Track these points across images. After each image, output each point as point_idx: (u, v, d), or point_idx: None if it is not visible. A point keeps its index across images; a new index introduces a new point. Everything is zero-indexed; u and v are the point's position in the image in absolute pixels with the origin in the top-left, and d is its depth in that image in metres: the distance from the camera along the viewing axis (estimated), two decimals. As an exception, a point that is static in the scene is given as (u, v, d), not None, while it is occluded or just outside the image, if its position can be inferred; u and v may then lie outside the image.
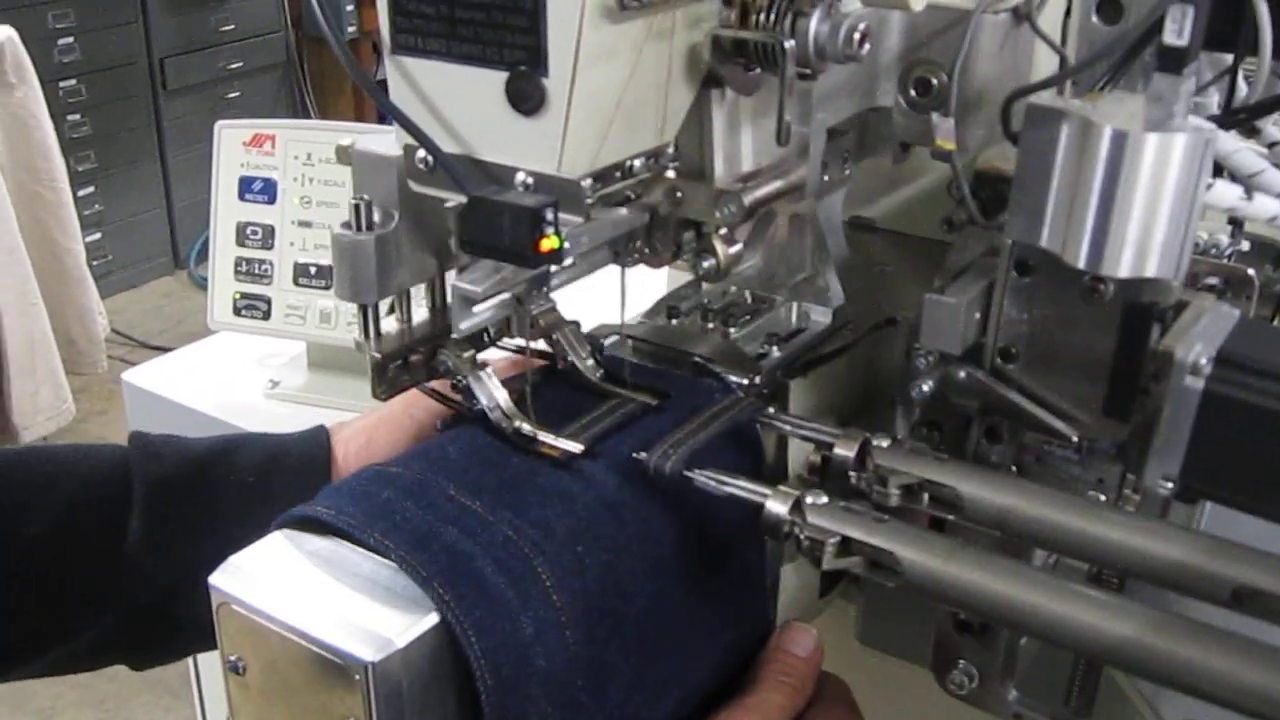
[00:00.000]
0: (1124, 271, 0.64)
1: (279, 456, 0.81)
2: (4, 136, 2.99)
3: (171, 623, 0.78)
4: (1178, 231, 0.63)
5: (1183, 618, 0.60)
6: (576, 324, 0.77)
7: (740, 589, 0.74)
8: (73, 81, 4.22)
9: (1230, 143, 0.75)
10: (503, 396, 0.71)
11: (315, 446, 0.82)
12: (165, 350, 3.84)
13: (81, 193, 4.03)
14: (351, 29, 4.56)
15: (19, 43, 2.98)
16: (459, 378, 0.73)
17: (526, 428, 0.69)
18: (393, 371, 0.74)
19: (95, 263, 3.71)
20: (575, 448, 0.68)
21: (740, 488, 0.68)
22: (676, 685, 0.70)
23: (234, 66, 4.74)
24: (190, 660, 1.46)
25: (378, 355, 0.73)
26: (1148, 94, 0.65)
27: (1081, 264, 0.65)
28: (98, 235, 4.30)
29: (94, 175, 4.34)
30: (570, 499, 0.66)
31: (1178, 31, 0.64)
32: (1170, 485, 0.70)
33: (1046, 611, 0.62)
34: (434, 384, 0.76)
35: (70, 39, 4.18)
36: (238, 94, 4.79)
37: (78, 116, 4.25)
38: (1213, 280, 0.88)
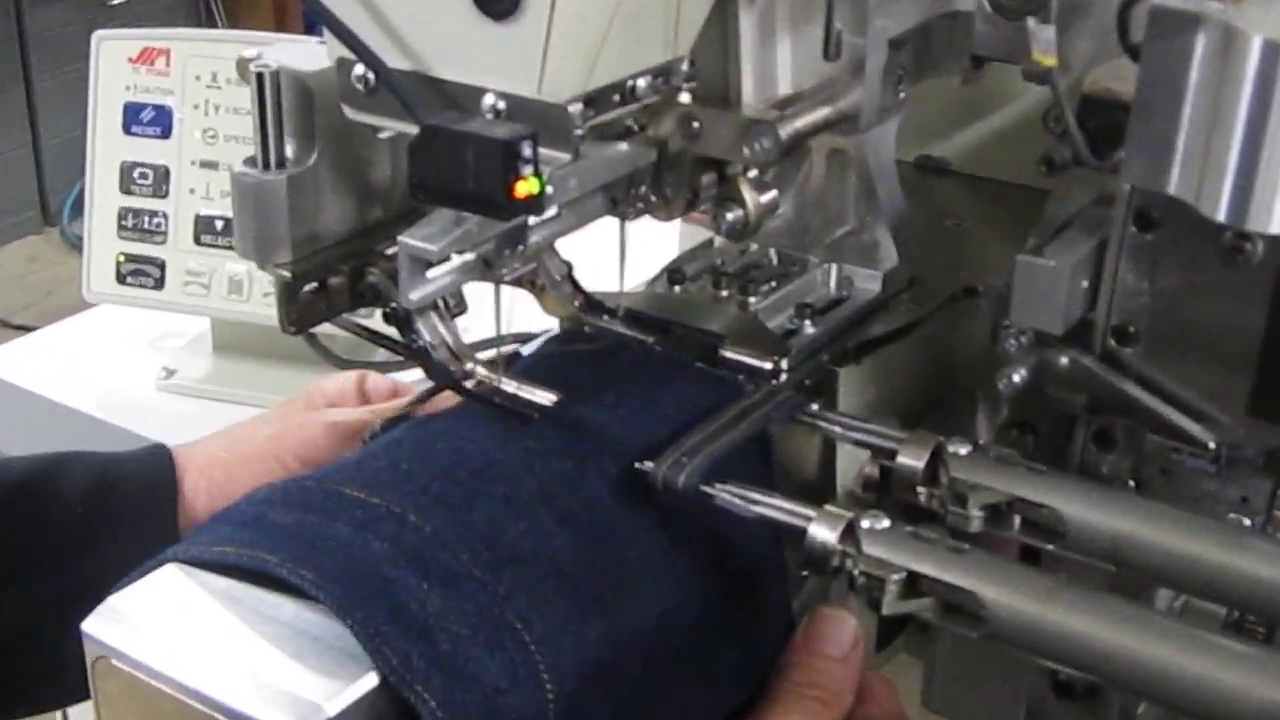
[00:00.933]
0: (1277, 227, 0.65)
1: (113, 482, 0.82)
2: None
3: None
4: None
5: None
6: (568, 265, 0.77)
7: (762, 636, 0.75)
8: (-89, -15, 4.26)
9: None
10: (450, 330, 0.72)
11: (160, 470, 0.83)
12: (31, 329, 3.90)
13: None
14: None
15: None
16: (394, 305, 0.73)
17: (481, 371, 0.70)
18: (306, 296, 0.74)
19: None
20: (547, 398, 0.69)
21: (776, 508, 0.68)
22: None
23: None
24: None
25: (285, 274, 0.73)
26: None
27: (1221, 217, 0.65)
28: None
29: None
30: (550, 520, 0.67)
31: None
32: None
33: (1174, 670, 0.61)
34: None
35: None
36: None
37: None
38: None
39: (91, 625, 0.61)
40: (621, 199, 0.75)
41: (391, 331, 0.77)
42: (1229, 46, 0.64)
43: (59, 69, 4.63)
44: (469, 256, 0.69)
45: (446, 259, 0.68)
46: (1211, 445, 0.73)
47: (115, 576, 0.64)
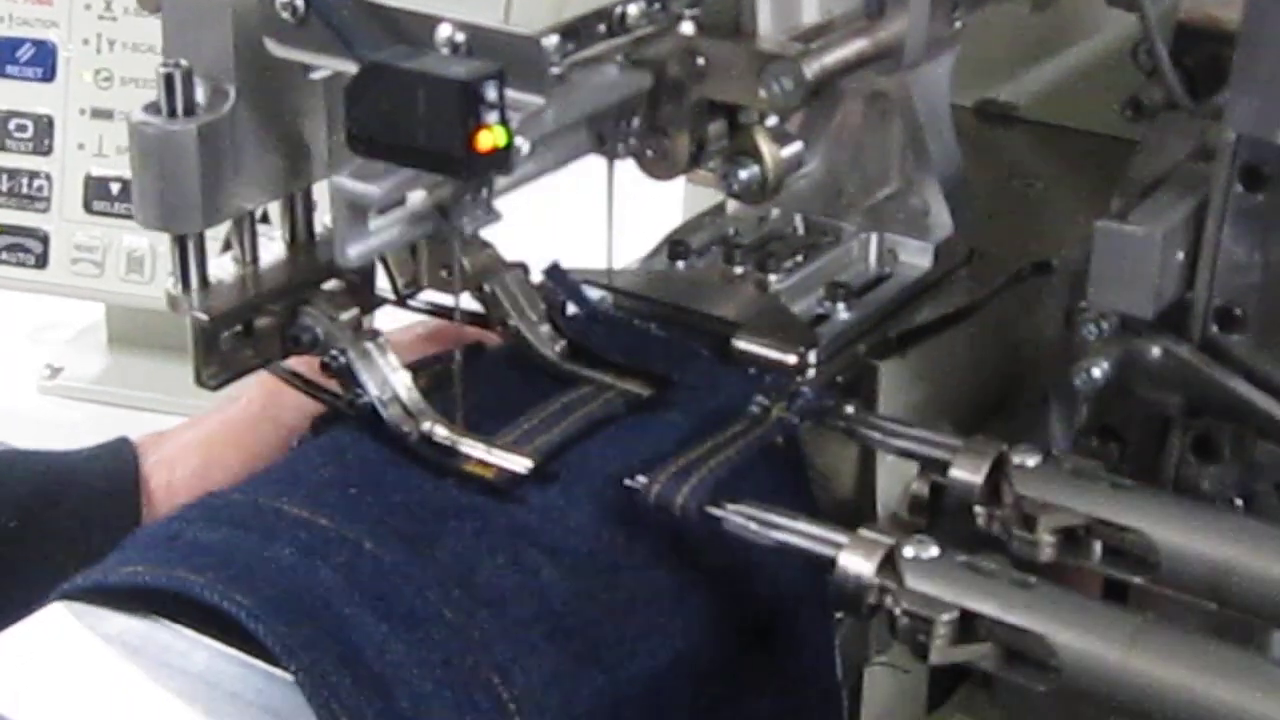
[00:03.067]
0: None
1: (62, 485, 0.83)
2: None
3: None
4: None
5: None
6: (523, 268, 0.78)
7: (798, 685, 0.75)
8: None
9: None
10: (403, 383, 0.72)
11: (115, 467, 0.84)
12: None
13: None
14: None
15: None
16: (334, 353, 0.73)
17: (441, 432, 0.71)
18: (228, 343, 0.75)
19: None
20: (522, 465, 0.69)
21: (798, 533, 0.69)
22: None
23: None
24: None
25: (204, 316, 0.73)
26: None
27: None
28: None
29: None
30: (534, 553, 0.67)
31: None
32: None
33: None
34: (294, 362, 0.77)
35: None
36: None
37: None
38: None
39: None
40: (609, 134, 0.76)
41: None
42: None
43: None
44: (418, 201, 0.70)
45: (392, 206, 0.69)
46: None
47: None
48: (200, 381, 0.75)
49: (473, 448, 0.70)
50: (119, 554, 0.66)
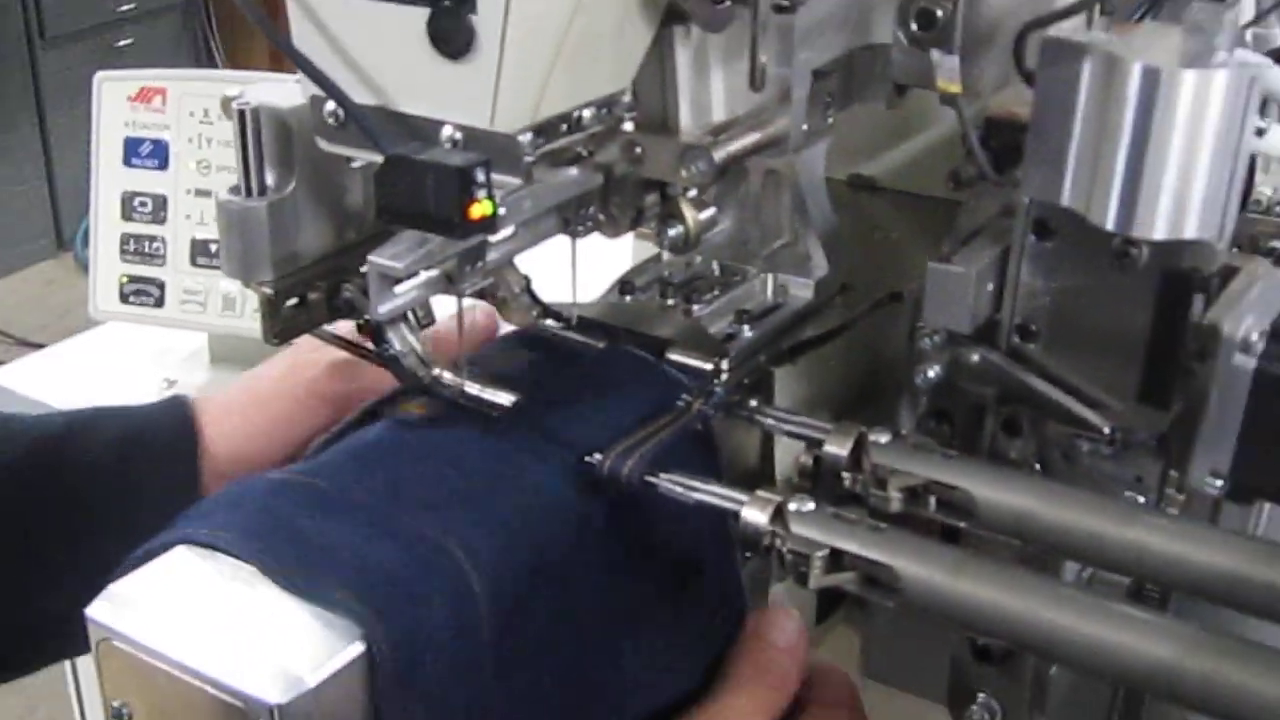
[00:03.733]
0: (1159, 233, 0.65)
1: (137, 435, 0.82)
2: None
3: (20, 633, 0.80)
4: (1221, 185, 0.64)
5: (1238, 638, 0.61)
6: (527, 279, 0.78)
7: (713, 611, 0.75)
8: (-69, 32, 4.25)
9: None
10: (416, 339, 0.72)
11: (179, 421, 0.83)
12: (43, 346, 3.89)
13: None
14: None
15: None
16: (366, 317, 0.74)
17: (447, 376, 0.71)
18: (288, 311, 0.75)
19: None
20: (505, 399, 0.69)
21: (713, 494, 0.69)
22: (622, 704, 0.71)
23: (126, 9, 4.73)
24: (76, 708, 1.47)
25: (269, 291, 0.74)
26: (1185, 24, 0.66)
27: (1110, 225, 0.66)
28: None
29: None
30: (516, 504, 0.67)
31: None
32: (1220, 483, 0.71)
33: (1075, 633, 0.62)
34: (338, 326, 0.77)
35: (-73, -20, 4.22)
36: (130, 41, 4.78)
37: None
38: (1276, 243, 0.90)
39: (95, 610, 0.61)
40: (572, 219, 0.75)
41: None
42: (1113, 72, 0.64)
43: (71, 108, 4.59)
44: (432, 273, 0.69)
45: (412, 275, 0.69)
46: (1106, 430, 0.74)
47: (143, 522, 0.64)
48: (266, 339, 0.76)
49: (470, 387, 0.70)
50: (221, 516, 0.65)
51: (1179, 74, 0.63)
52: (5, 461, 0.78)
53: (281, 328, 0.75)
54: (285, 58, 0.70)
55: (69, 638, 0.75)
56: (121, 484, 0.78)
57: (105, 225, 1.34)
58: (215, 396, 0.85)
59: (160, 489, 0.71)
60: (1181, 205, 0.65)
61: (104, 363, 1.45)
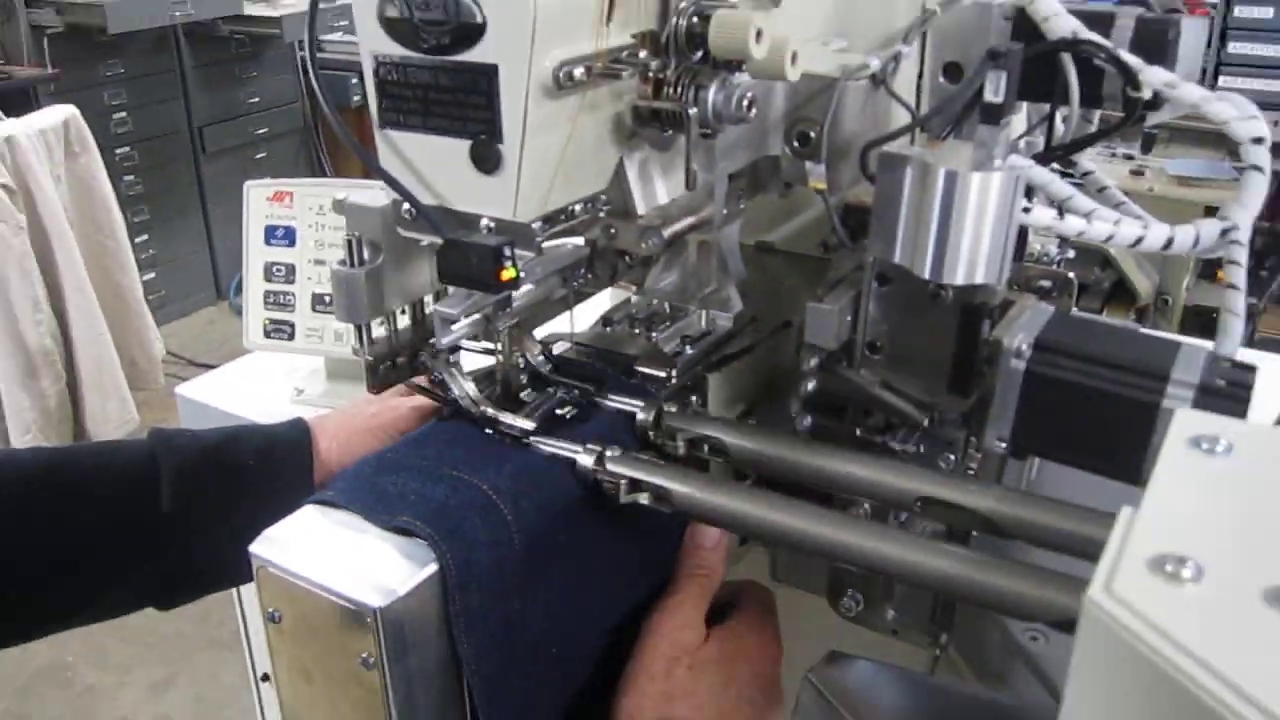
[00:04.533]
0: (959, 280, 0.65)
1: (273, 445, 0.82)
2: (72, 197, 2.99)
3: (192, 573, 0.79)
4: (998, 247, 0.64)
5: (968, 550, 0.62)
6: (529, 334, 0.77)
7: (655, 533, 0.74)
8: (127, 149, 4.20)
9: (1045, 175, 0.75)
10: (471, 388, 0.71)
11: (302, 436, 0.82)
12: (212, 367, 3.84)
13: (138, 239, 4.01)
14: (357, 98, 4.54)
15: (80, 119, 2.98)
16: (436, 374, 0.73)
17: (490, 411, 0.70)
18: (383, 371, 0.74)
19: (151, 297, 3.67)
20: (528, 425, 0.69)
21: (560, 448, 0.69)
22: (608, 596, 0.71)
23: (260, 132, 4.71)
24: (240, 620, 1.46)
25: (370, 358, 0.73)
26: (974, 141, 0.66)
27: (927, 274, 0.66)
28: (153, 274, 4.27)
29: (148, 225, 4.31)
30: (527, 463, 0.67)
31: (994, 91, 0.66)
32: (1004, 445, 0.71)
33: (779, 525, 0.64)
34: (416, 380, 0.77)
35: (123, 113, 4.16)
36: (264, 155, 4.75)
37: (132, 178, 4.22)
38: (1045, 282, 0.90)
39: (256, 547, 0.62)
40: (569, 278, 0.76)
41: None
42: (926, 174, 0.64)
43: (224, 201, 4.57)
44: (476, 316, 0.70)
45: (462, 318, 0.70)
46: (925, 424, 0.73)
47: (274, 504, 0.64)
48: (369, 389, 0.75)
49: (505, 417, 0.70)
50: (339, 484, 0.66)
51: (969, 176, 0.63)
52: (179, 461, 0.78)
53: (378, 381, 0.75)
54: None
55: (230, 573, 0.77)
56: (258, 479, 0.78)
57: (254, 285, 1.33)
58: (326, 422, 0.83)
59: (285, 483, 0.70)
60: (973, 261, 0.64)
61: (254, 378, 1.43)
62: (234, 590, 1.43)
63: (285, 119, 4.83)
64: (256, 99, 4.66)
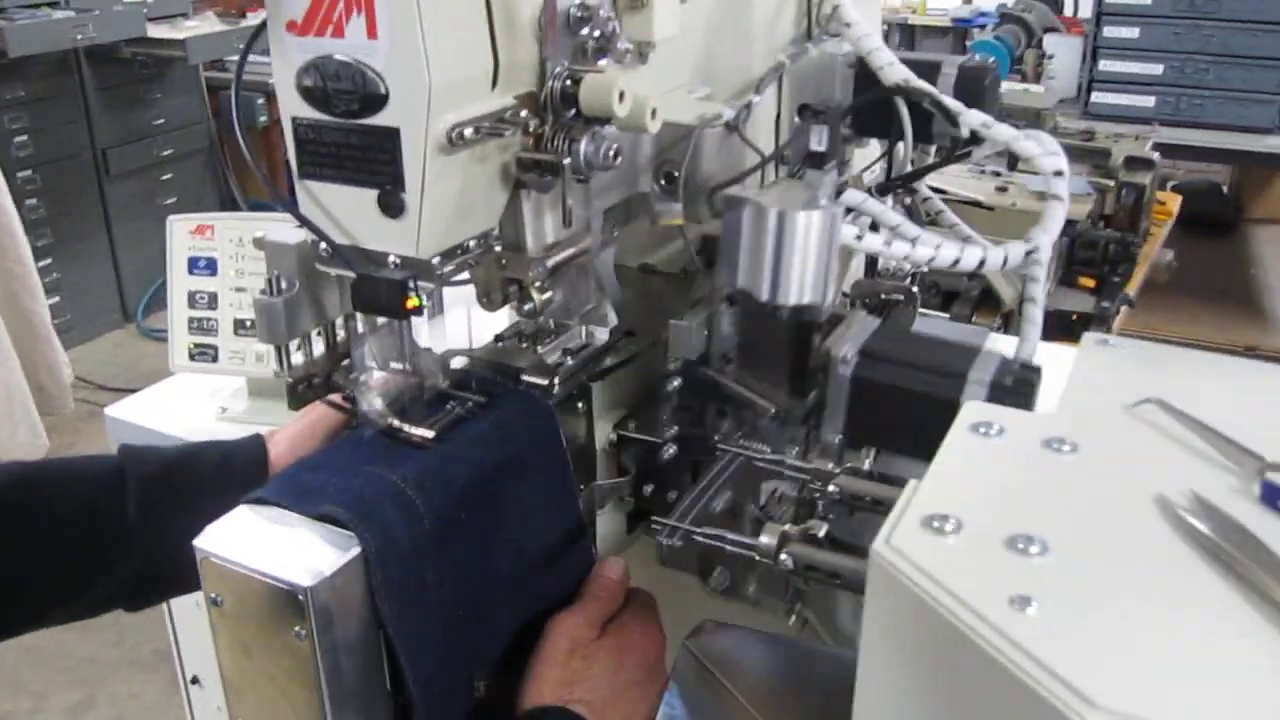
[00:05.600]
0: (791, 300, 0.75)
1: (230, 458, 0.86)
2: None
3: (156, 577, 0.84)
4: (821, 272, 0.75)
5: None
6: (430, 351, 0.82)
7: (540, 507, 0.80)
8: (29, 172, 4.13)
9: (877, 206, 0.85)
10: (379, 403, 0.77)
11: (256, 449, 0.87)
12: (122, 390, 3.84)
13: (41, 263, 3.91)
14: (263, 118, 4.54)
15: None
16: (346, 392, 0.79)
17: (395, 422, 0.76)
18: (301, 390, 0.80)
19: (56, 321, 3.63)
20: (428, 434, 0.75)
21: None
22: (504, 562, 0.76)
23: (165, 154, 4.66)
24: (170, 628, 1.49)
25: (290, 379, 0.79)
26: (804, 183, 0.78)
27: (765, 297, 0.75)
28: (57, 299, 4.18)
29: (51, 249, 4.23)
30: (431, 459, 0.73)
31: (819, 141, 0.78)
32: (839, 437, 0.81)
33: None
34: (332, 397, 0.82)
35: (25, 136, 4.10)
36: (170, 176, 4.70)
37: (34, 201, 4.15)
38: (897, 295, 1.01)
39: (200, 541, 0.68)
40: (468, 303, 0.81)
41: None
42: (760, 213, 0.74)
43: (130, 223, 4.51)
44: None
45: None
46: (773, 412, 0.81)
47: (234, 506, 0.70)
48: (290, 408, 0.80)
49: (411, 428, 0.75)
50: (270, 486, 0.71)
51: (795, 214, 0.73)
52: (146, 472, 0.82)
53: (298, 401, 0.81)
54: (280, 186, 0.75)
55: (193, 577, 0.79)
56: (220, 486, 0.81)
57: (178, 312, 1.33)
58: (276, 431, 0.87)
59: (245, 487, 0.74)
60: (803, 284, 0.74)
61: (180, 399, 1.43)
62: (163, 605, 1.45)
63: (190, 139, 4.77)
64: (161, 120, 4.60)
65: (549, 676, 0.74)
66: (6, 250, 3.08)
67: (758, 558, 0.76)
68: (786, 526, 0.72)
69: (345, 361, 0.78)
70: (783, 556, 0.71)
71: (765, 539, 0.72)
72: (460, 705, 0.73)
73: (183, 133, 4.73)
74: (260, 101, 4.53)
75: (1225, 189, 5.03)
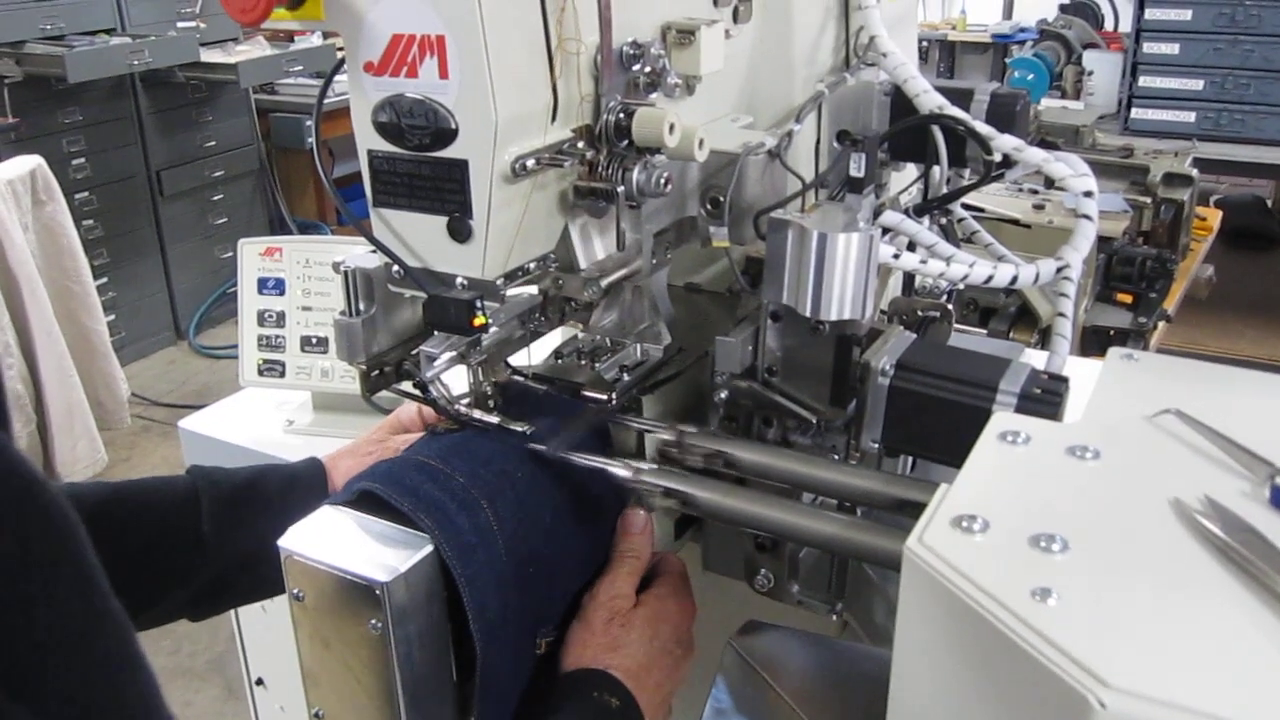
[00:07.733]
0: (833, 316, 0.78)
1: (293, 481, 0.90)
2: (39, 244, 3.03)
3: (223, 589, 0.88)
4: (860, 289, 0.78)
5: (861, 520, 0.74)
6: (506, 364, 0.86)
7: (608, 535, 0.85)
8: (86, 194, 4.22)
9: (914, 226, 0.89)
10: (448, 393, 0.81)
11: (316, 473, 0.91)
12: (176, 406, 3.90)
13: (98, 282, 3.98)
14: (310, 140, 4.61)
15: (46, 168, 3.02)
16: (418, 380, 0.82)
17: (477, 413, 0.80)
18: (374, 378, 0.84)
19: (112, 339, 3.69)
20: (524, 428, 0.80)
21: (596, 461, 0.80)
22: (571, 576, 0.81)
23: (217, 175, 4.73)
24: (236, 632, 1.52)
25: (364, 367, 0.83)
26: (843, 207, 0.81)
27: (808, 313, 0.79)
28: (113, 317, 4.25)
29: (107, 268, 4.33)
30: (503, 465, 0.77)
31: (857, 167, 0.81)
32: (877, 445, 0.83)
33: (803, 526, 0.76)
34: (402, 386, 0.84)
35: (82, 159, 4.19)
36: (221, 196, 4.77)
37: (91, 222, 4.24)
38: (933, 312, 1.04)
39: (284, 541, 0.72)
40: (527, 321, 0.84)
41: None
42: (803, 235, 0.77)
43: (183, 242, 4.61)
44: (452, 353, 0.80)
45: (442, 355, 0.79)
46: (814, 422, 0.84)
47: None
48: (363, 396, 0.83)
49: (489, 419, 0.79)
50: (346, 490, 0.75)
51: (835, 236, 0.76)
52: (219, 494, 0.86)
53: (370, 387, 0.84)
54: (327, 204, 0.81)
55: (255, 589, 0.85)
56: (283, 507, 0.85)
57: (248, 330, 1.35)
58: (336, 459, 0.91)
59: (306, 507, 0.77)
60: (843, 301, 0.78)
61: (249, 412, 1.46)
62: (230, 613, 1.48)
63: (240, 161, 4.84)
64: (213, 142, 4.68)
65: (589, 642, 0.77)
66: (67, 270, 3.14)
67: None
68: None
69: (415, 352, 0.81)
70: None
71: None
72: (525, 660, 0.76)
73: (233, 155, 4.81)
74: (307, 123, 4.60)
75: (1269, 203, 4.98)
